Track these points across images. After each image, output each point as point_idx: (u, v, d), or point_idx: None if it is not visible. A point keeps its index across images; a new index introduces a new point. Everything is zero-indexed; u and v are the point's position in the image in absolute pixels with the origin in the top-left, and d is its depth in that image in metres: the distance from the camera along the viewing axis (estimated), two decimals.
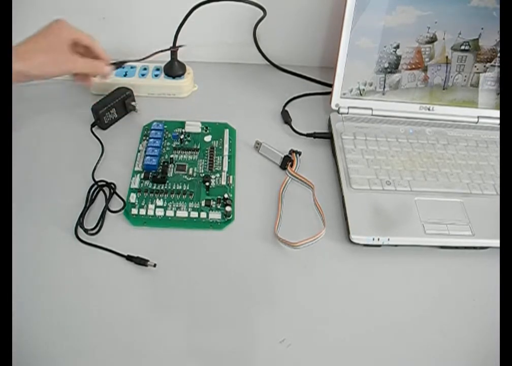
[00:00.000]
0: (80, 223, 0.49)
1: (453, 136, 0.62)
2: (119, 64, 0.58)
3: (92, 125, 0.60)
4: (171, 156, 0.58)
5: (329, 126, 0.62)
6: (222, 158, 0.58)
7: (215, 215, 0.52)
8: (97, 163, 0.56)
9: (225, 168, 0.57)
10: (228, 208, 0.51)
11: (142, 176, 0.55)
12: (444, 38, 0.60)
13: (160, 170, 0.55)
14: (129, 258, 0.47)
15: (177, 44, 0.63)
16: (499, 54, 0.61)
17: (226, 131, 0.61)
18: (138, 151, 0.58)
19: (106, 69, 0.55)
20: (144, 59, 0.58)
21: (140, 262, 0.47)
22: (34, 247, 0.48)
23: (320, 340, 0.44)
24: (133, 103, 0.62)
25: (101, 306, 0.44)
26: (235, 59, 0.74)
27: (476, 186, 0.56)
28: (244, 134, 0.62)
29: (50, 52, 0.49)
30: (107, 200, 0.52)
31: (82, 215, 0.50)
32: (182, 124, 0.61)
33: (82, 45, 0.53)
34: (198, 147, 0.59)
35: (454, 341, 0.44)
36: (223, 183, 0.55)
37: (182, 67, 0.66)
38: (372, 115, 0.63)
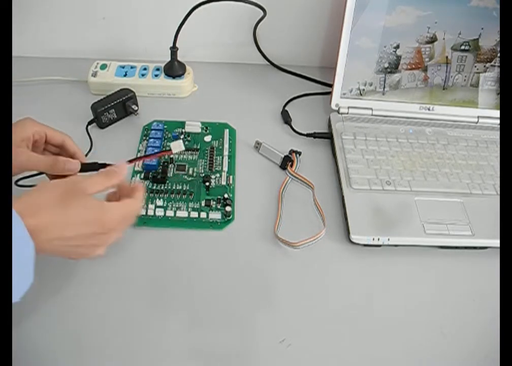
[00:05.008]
0: None
1: (453, 136, 0.62)
2: (90, 166, 0.46)
3: (89, 123, 0.60)
4: (171, 156, 0.58)
5: (329, 126, 0.62)
6: (222, 158, 0.58)
7: (215, 215, 0.52)
8: None
9: (225, 168, 0.57)
10: (228, 208, 0.51)
11: (142, 176, 0.55)
12: (444, 38, 0.60)
13: (160, 170, 0.55)
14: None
15: (176, 45, 0.63)
16: (499, 54, 0.61)
17: (226, 131, 0.61)
18: (138, 151, 0.58)
19: (70, 165, 0.43)
20: None
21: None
22: None
23: (320, 340, 0.44)
24: (134, 106, 0.61)
25: (101, 306, 0.44)
26: (235, 59, 0.74)
27: (476, 186, 0.56)
28: (244, 134, 0.62)
29: None
30: None
31: None
32: (182, 124, 0.61)
33: (53, 144, 0.46)
34: (198, 147, 0.59)
35: (454, 341, 0.44)
36: (223, 183, 0.55)
37: (182, 67, 0.66)
38: (372, 115, 0.63)
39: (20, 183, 0.49)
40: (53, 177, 0.45)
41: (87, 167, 0.45)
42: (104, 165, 0.45)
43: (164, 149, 0.58)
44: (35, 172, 0.48)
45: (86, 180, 0.38)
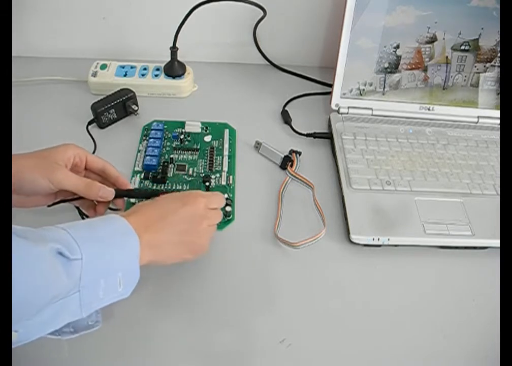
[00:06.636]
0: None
1: (453, 136, 0.62)
2: (123, 195, 0.45)
3: (89, 123, 0.60)
4: (171, 156, 0.58)
5: (329, 126, 0.62)
6: (222, 158, 0.58)
7: None
8: None
9: (225, 168, 0.57)
10: (228, 208, 0.51)
11: (142, 176, 0.55)
12: (444, 38, 0.60)
13: (160, 170, 0.55)
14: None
15: (176, 45, 0.63)
16: (499, 54, 0.61)
17: (226, 131, 0.61)
18: (138, 151, 0.58)
19: (105, 191, 0.42)
20: None
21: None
22: None
23: (320, 340, 0.44)
24: (134, 106, 0.61)
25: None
26: (235, 59, 0.74)
27: (476, 186, 0.56)
28: (244, 134, 0.62)
29: (40, 159, 0.41)
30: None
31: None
32: (182, 124, 0.61)
33: (93, 170, 0.45)
34: (198, 147, 0.59)
35: (454, 341, 0.44)
36: (223, 183, 0.55)
37: (182, 67, 0.66)
38: (372, 115, 0.63)
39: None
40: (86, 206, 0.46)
41: (122, 193, 0.44)
42: (142, 192, 0.44)
43: (164, 148, 0.58)
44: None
45: None
